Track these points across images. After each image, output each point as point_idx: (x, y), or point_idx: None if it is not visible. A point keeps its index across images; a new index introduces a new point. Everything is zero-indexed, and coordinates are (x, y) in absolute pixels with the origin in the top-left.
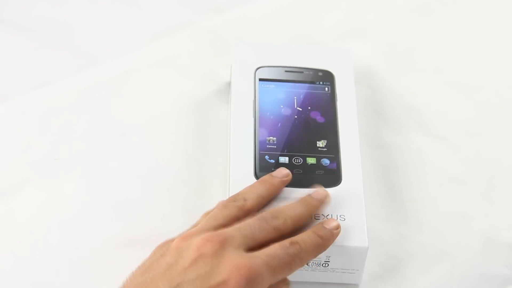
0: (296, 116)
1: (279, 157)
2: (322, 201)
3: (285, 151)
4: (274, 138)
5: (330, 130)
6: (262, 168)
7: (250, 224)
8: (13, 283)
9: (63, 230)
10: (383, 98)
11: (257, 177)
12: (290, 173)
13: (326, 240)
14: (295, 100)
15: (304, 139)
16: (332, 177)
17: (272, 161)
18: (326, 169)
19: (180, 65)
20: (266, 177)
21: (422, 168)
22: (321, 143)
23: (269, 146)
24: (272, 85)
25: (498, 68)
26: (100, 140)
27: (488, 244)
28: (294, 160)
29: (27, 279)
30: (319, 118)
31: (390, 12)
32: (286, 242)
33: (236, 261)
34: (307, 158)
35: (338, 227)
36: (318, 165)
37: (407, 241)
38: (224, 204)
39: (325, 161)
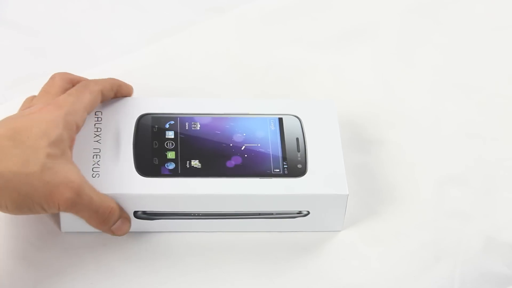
0: None
1: None
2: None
3: None
4: None
5: None
6: None
7: None
8: None
9: None
10: (383, 98)
11: None
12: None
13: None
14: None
15: None
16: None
17: None
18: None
19: (180, 66)
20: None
21: (422, 167)
22: None
23: None
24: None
25: (498, 68)
26: None
27: (489, 244)
28: None
29: None
30: None
31: (390, 12)
32: None
33: None
34: None
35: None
36: None
37: (407, 240)
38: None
39: None
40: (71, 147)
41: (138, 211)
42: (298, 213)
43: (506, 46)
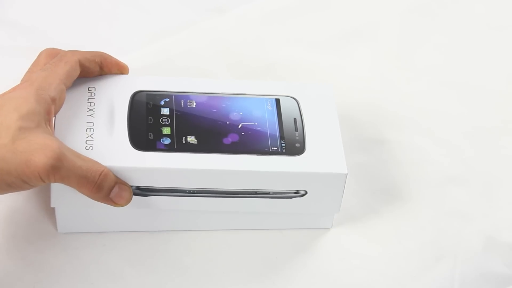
0: None
1: None
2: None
3: None
4: None
5: None
6: None
7: None
8: None
9: None
10: (383, 98)
11: None
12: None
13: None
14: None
15: None
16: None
17: None
18: None
19: (180, 65)
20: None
21: (422, 167)
22: None
23: None
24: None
25: (498, 67)
26: None
27: (489, 244)
28: None
29: None
30: None
31: (390, 12)
32: None
33: None
34: None
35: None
36: None
37: (407, 240)
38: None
39: None
40: (49, 120)
41: (132, 186)
42: (295, 193)
43: (506, 46)
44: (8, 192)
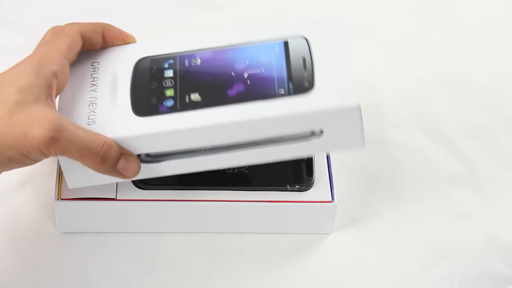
0: None
1: None
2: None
3: None
4: None
5: None
6: None
7: None
8: None
9: None
10: (383, 98)
11: None
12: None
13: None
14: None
15: None
16: None
17: None
18: None
19: None
20: None
21: (422, 167)
22: None
23: None
24: None
25: (498, 67)
26: None
27: (489, 244)
28: None
29: None
30: None
31: (390, 12)
32: None
33: None
34: None
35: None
36: None
37: (407, 240)
38: None
39: None
40: (50, 95)
41: (140, 154)
42: (311, 134)
43: (506, 46)
44: (12, 168)
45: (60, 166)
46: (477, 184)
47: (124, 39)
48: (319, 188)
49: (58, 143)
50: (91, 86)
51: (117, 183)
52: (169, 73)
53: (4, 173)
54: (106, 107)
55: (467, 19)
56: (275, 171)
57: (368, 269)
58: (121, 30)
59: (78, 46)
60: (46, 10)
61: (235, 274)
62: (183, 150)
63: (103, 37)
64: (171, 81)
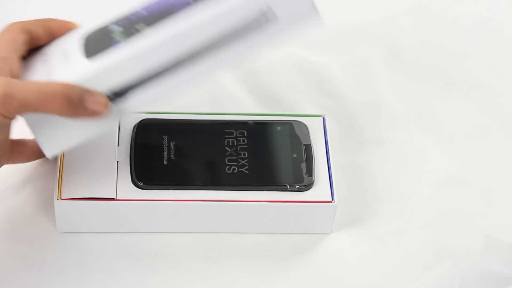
0: None
1: None
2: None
3: None
4: None
5: None
6: None
7: None
8: None
9: None
10: (383, 98)
11: None
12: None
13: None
14: None
15: None
16: None
17: None
18: None
19: None
20: None
21: (422, 167)
22: None
23: None
24: None
25: (498, 68)
26: None
27: (489, 244)
28: None
29: None
30: None
31: (390, 12)
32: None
33: None
34: None
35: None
36: None
37: (407, 240)
38: None
39: None
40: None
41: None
42: (263, 17)
43: (506, 46)
44: None
45: (60, 166)
46: (477, 184)
47: (68, 28)
48: (319, 188)
49: (14, 98)
50: (42, 62)
51: (117, 184)
52: (116, 28)
53: (4, 173)
54: (59, 63)
55: (467, 19)
56: (275, 171)
57: (368, 269)
58: (65, 20)
59: (21, 38)
60: (46, 11)
61: (235, 274)
62: (144, 77)
63: (48, 29)
64: (120, 31)
